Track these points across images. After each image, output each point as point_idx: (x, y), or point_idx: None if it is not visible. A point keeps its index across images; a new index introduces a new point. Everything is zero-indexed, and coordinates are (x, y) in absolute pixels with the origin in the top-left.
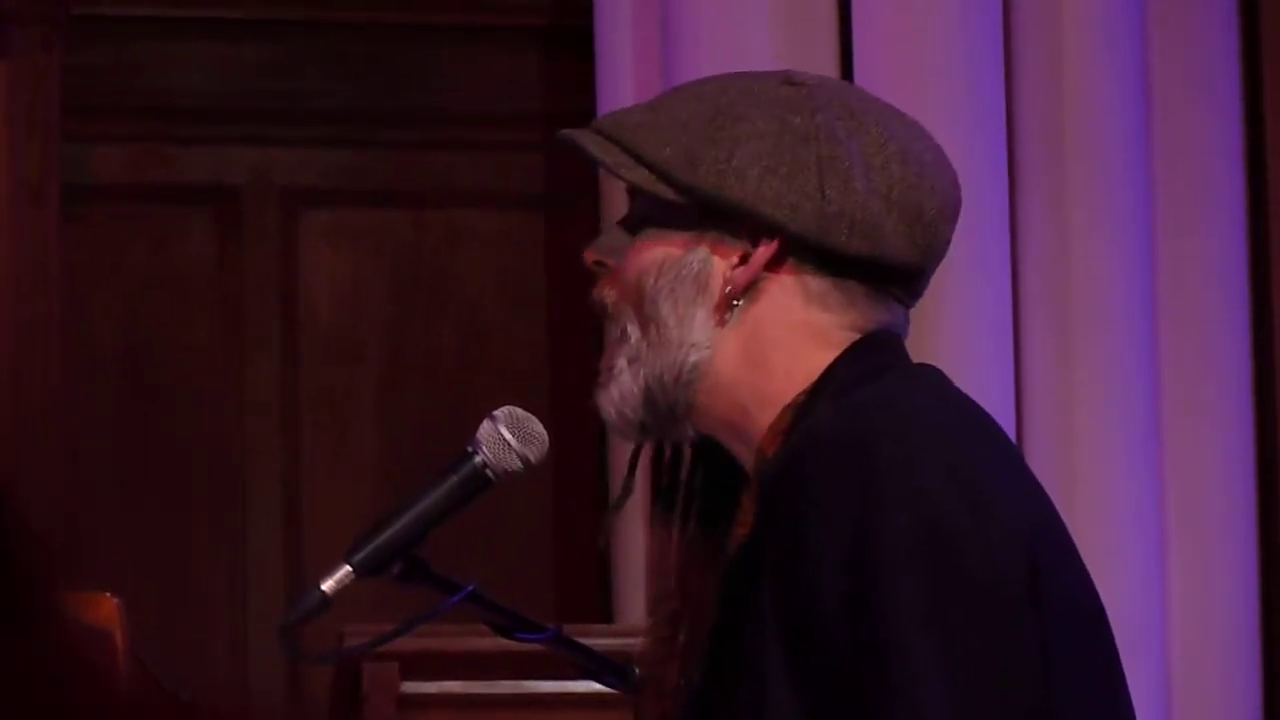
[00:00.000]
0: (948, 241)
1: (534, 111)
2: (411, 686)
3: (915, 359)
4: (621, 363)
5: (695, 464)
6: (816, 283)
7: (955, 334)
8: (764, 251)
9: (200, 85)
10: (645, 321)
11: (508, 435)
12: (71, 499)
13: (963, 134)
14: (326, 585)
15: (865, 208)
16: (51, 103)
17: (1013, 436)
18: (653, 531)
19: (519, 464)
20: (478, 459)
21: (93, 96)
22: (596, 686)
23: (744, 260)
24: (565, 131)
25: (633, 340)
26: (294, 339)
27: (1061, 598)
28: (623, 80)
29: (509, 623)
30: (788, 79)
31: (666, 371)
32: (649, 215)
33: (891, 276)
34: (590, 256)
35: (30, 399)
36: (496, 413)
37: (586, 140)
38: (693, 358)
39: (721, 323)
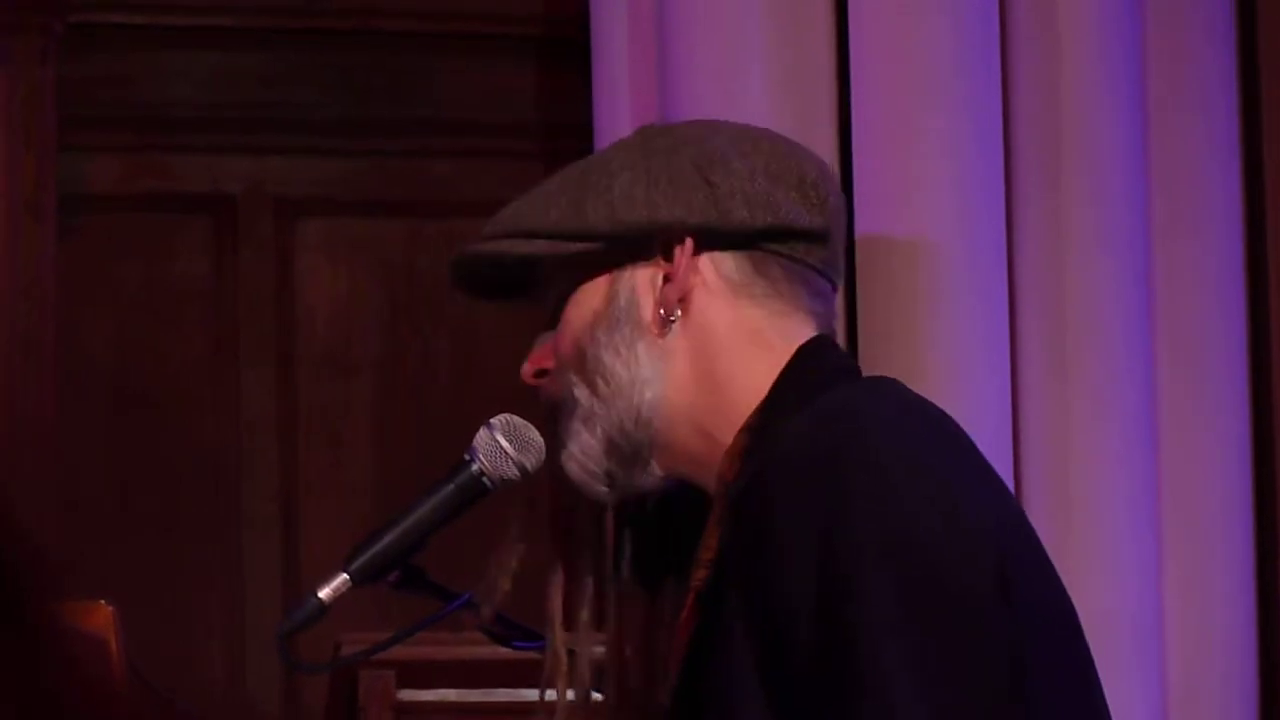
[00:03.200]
0: (840, 210)
1: (531, 122)
2: (408, 695)
3: (910, 370)
4: (576, 425)
5: (631, 513)
6: (738, 273)
7: (950, 344)
8: (681, 254)
9: (196, 95)
10: (591, 380)
11: (504, 443)
12: (65, 512)
13: (958, 145)
14: (323, 593)
15: (752, 182)
16: (47, 113)
17: (1008, 447)
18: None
19: (516, 472)
20: (474, 467)
21: (88, 107)
22: (595, 695)
23: (667, 278)
24: (459, 257)
25: (583, 402)
26: (289, 350)
27: (1031, 600)
28: (619, 91)
29: (505, 631)
30: (640, 129)
31: (625, 417)
32: (563, 292)
33: (804, 244)
34: (529, 369)
35: (23, 410)
36: (493, 421)
37: (477, 249)
38: (648, 394)
39: (665, 348)
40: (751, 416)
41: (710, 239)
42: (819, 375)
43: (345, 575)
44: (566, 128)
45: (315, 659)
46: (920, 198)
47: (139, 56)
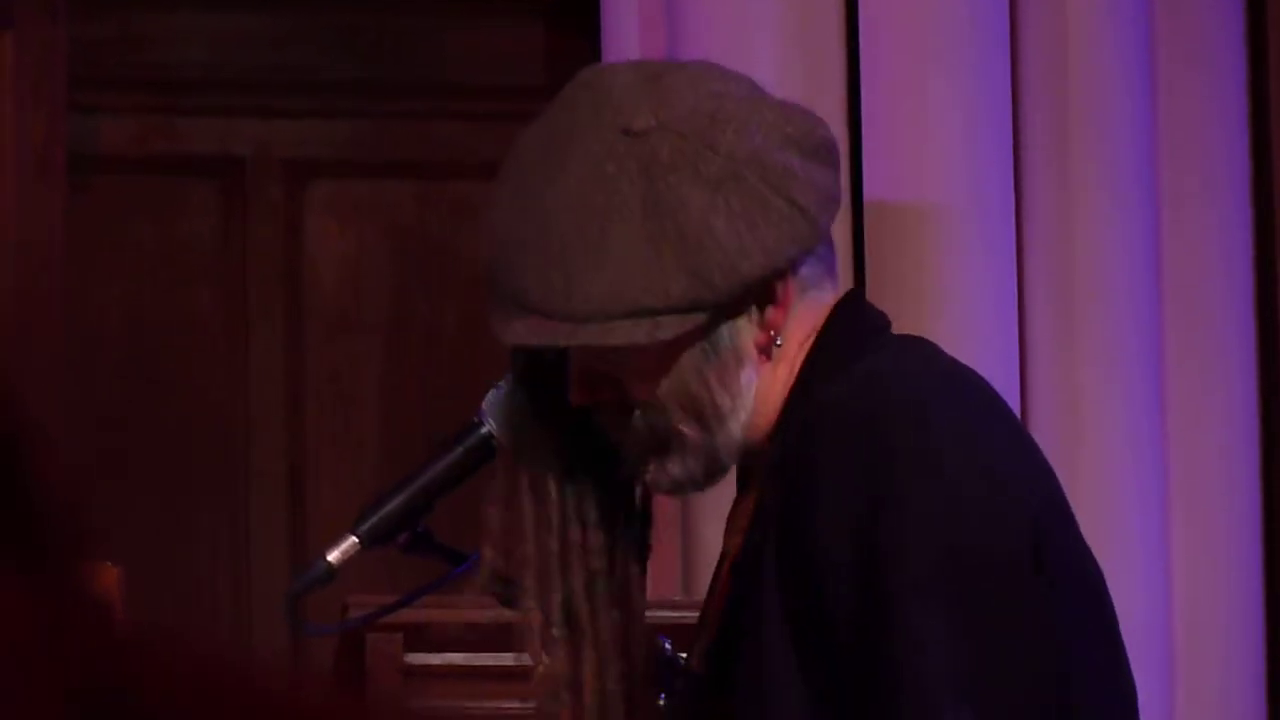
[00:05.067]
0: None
1: (539, 84)
2: (415, 658)
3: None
4: (686, 458)
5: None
6: (810, 270)
7: (959, 317)
8: (783, 287)
9: (205, 57)
10: (704, 420)
11: None
12: (72, 473)
13: (967, 115)
14: (332, 555)
15: (818, 183)
16: (57, 75)
17: (1016, 413)
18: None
19: None
20: (484, 429)
21: (98, 68)
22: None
23: (763, 306)
24: (523, 343)
25: (695, 439)
26: (298, 312)
27: (1066, 567)
28: (628, 53)
29: (514, 592)
30: (641, 134)
31: (729, 443)
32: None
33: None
34: (584, 400)
35: (32, 371)
36: (502, 382)
37: (589, 340)
38: (743, 417)
39: (767, 367)
40: (796, 377)
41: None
42: (856, 336)
43: (354, 538)
44: None
45: (322, 621)
46: (929, 163)
47: (149, 18)
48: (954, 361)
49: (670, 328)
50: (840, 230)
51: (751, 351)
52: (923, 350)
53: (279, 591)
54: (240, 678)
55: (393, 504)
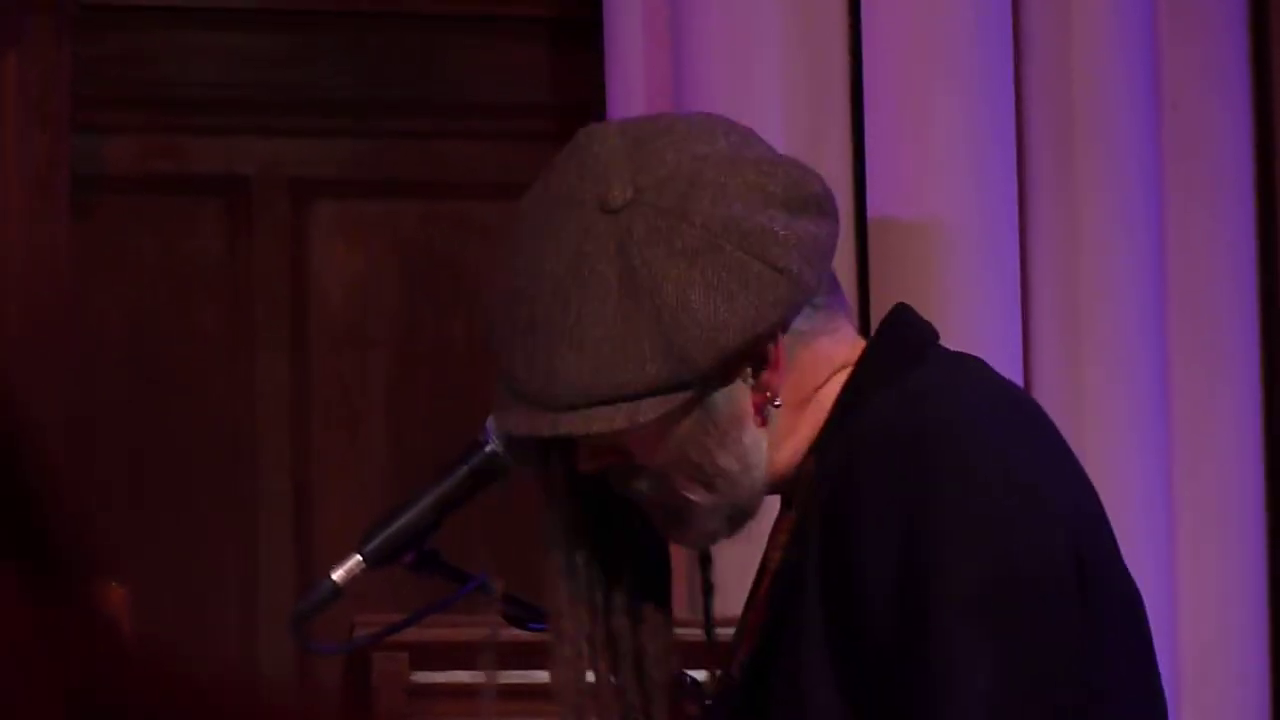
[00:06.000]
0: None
1: (544, 101)
2: (421, 677)
3: None
4: (699, 520)
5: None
6: (807, 322)
7: (964, 329)
8: (775, 350)
9: (210, 76)
10: (709, 483)
11: None
12: (78, 491)
13: (971, 123)
14: (337, 575)
15: (801, 237)
16: (62, 93)
17: None
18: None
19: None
20: (489, 448)
21: (103, 87)
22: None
23: (758, 370)
24: (525, 433)
25: (704, 503)
26: (304, 330)
27: (1107, 588)
28: (632, 71)
29: (520, 612)
30: (618, 208)
31: (746, 497)
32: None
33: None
34: (590, 468)
35: (38, 388)
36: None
37: (571, 429)
38: (757, 473)
39: (768, 423)
40: (839, 395)
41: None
42: (902, 352)
43: (359, 557)
44: (579, 108)
45: (329, 640)
46: (933, 177)
47: (155, 37)
48: (1000, 378)
49: (652, 409)
50: (844, 246)
51: (749, 413)
52: (969, 367)
53: (285, 609)
54: (242, 692)
55: (398, 523)
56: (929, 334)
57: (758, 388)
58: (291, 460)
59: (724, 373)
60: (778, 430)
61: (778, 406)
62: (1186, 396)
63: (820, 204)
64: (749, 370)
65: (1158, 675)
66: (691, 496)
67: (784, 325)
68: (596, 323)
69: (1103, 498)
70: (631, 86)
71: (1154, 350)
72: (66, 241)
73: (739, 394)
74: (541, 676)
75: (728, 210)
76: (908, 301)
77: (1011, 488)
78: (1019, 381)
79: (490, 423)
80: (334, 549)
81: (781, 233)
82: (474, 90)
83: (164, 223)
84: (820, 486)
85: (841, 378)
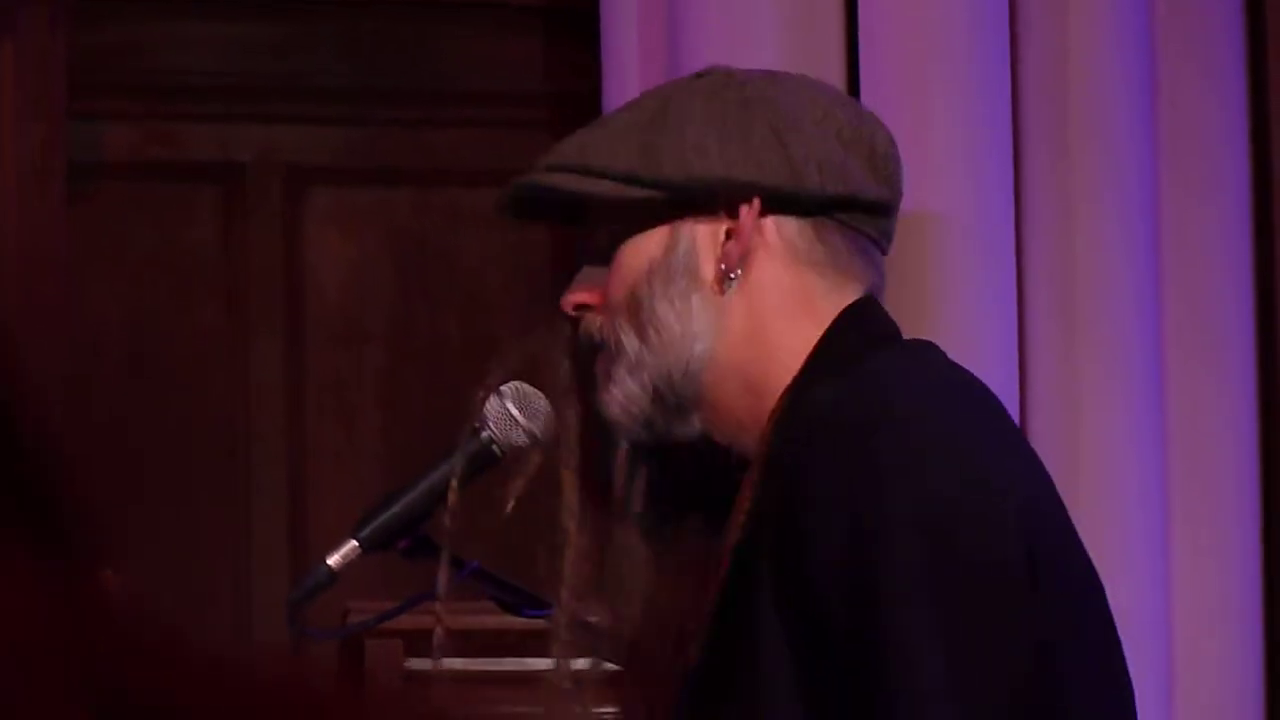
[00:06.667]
0: (902, 179)
1: (538, 91)
2: (415, 663)
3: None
4: (621, 372)
5: (677, 463)
6: (800, 238)
7: (959, 326)
8: (748, 214)
9: (206, 64)
10: (642, 329)
11: (515, 411)
12: (80, 473)
13: (968, 121)
14: (333, 560)
15: (825, 149)
16: (57, 81)
17: (1017, 423)
18: (635, 527)
19: (525, 439)
20: (484, 434)
21: (98, 75)
22: (602, 665)
23: (730, 235)
24: (516, 181)
25: (631, 351)
26: (299, 319)
27: (1059, 576)
28: (628, 61)
29: (514, 599)
30: (700, 73)
31: (674, 368)
32: (617, 233)
33: (866, 215)
34: (571, 301)
35: (33, 376)
36: (503, 388)
37: (539, 179)
38: (698, 348)
39: (721, 304)
40: (795, 378)
41: (778, 202)
42: (860, 339)
43: (355, 542)
44: (573, 96)
45: (323, 627)
46: (929, 173)
47: (149, 25)
48: (953, 366)
49: (607, 189)
50: None
51: (705, 279)
52: (922, 355)
53: (280, 599)
54: (246, 674)
55: (393, 510)
56: (890, 328)
57: (723, 257)
58: (286, 448)
59: (689, 203)
60: (730, 329)
61: (733, 279)
62: (1182, 392)
63: (875, 160)
64: (720, 228)
65: (1119, 659)
66: (624, 339)
67: (766, 201)
68: (614, 118)
69: (1098, 494)
70: (627, 76)
71: (1150, 347)
72: (63, 229)
73: (703, 249)
74: (537, 664)
75: (778, 94)
76: (903, 298)
77: (960, 476)
78: (1014, 380)
79: (486, 409)
80: (327, 535)
81: (812, 131)
82: (469, 79)
83: (159, 210)
84: (772, 469)
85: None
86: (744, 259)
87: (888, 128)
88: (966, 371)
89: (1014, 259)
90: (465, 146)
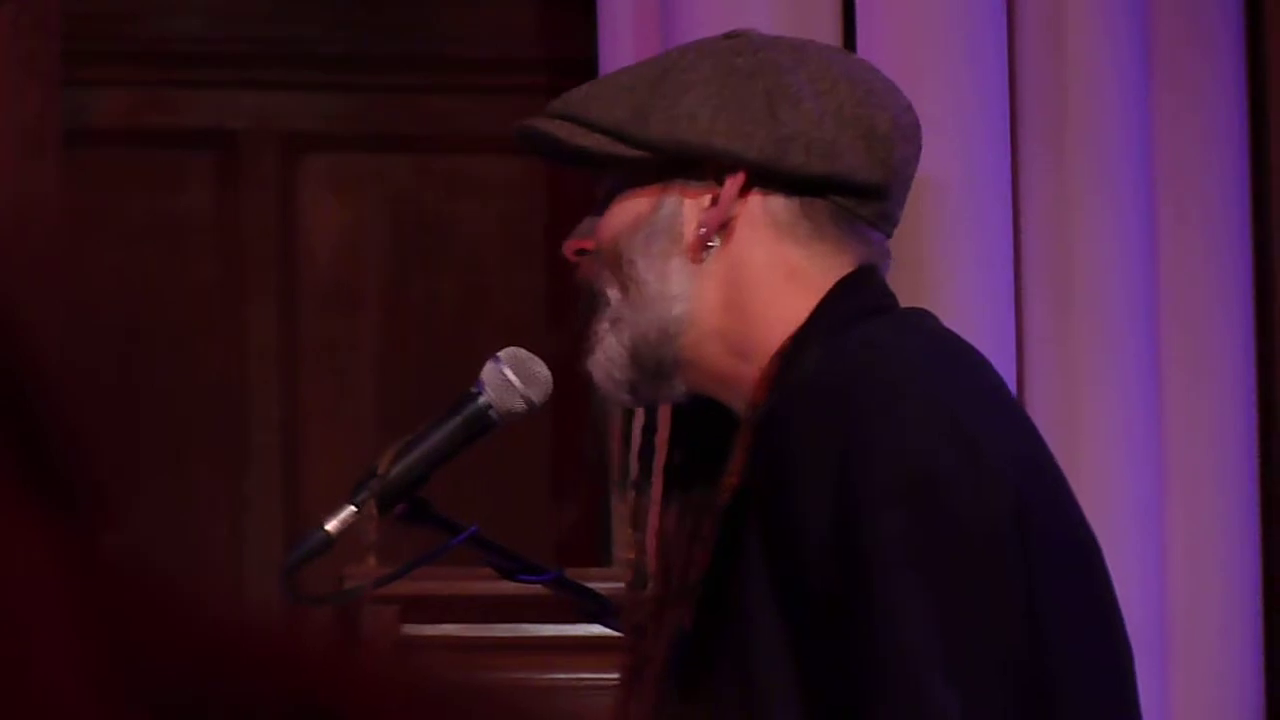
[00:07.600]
0: (908, 162)
1: (534, 58)
2: (412, 629)
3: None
4: (604, 326)
5: (675, 423)
6: (785, 213)
7: (955, 311)
8: (731, 185)
9: (200, 30)
10: (624, 283)
11: (511, 376)
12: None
13: (963, 109)
14: (330, 525)
15: (819, 127)
16: (51, 48)
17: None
18: (636, 492)
19: (522, 405)
20: (481, 400)
21: (92, 42)
22: (597, 630)
23: (714, 202)
24: (520, 124)
25: (614, 303)
26: (294, 285)
27: (1049, 537)
28: (623, 26)
29: (511, 565)
30: (730, 33)
31: (651, 328)
32: (614, 185)
33: (857, 198)
34: (570, 247)
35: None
36: (500, 354)
37: (539, 124)
38: (675, 310)
39: (699, 270)
40: (785, 343)
41: (763, 176)
42: (854, 308)
43: (352, 507)
44: (569, 63)
45: (318, 592)
46: (925, 170)
47: None
48: (946, 332)
49: (596, 143)
50: None
51: (686, 243)
52: (914, 321)
53: (274, 562)
54: (258, 632)
55: (390, 474)
56: (885, 297)
57: (703, 222)
58: (281, 413)
59: (679, 167)
60: (708, 296)
61: (710, 247)
62: (1179, 382)
63: (872, 141)
64: (706, 196)
65: (1115, 624)
66: (608, 290)
67: (751, 174)
68: (627, 72)
69: (1095, 492)
70: (621, 42)
71: (1146, 337)
72: (57, 195)
73: (686, 209)
74: (531, 629)
75: (791, 65)
76: (900, 289)
77: (946, 439)
78: (1010, 361)
79: (483, 375)
80: (321, 499)
81: (809, 106)
82: (465, 45)
83: (153, 177)
84: (762, 431)
85: (790, 331)
86: (724, 228)
87: (911, 107)
88: (960, 338)
89: (1011, 251)
90: (461, 113)
